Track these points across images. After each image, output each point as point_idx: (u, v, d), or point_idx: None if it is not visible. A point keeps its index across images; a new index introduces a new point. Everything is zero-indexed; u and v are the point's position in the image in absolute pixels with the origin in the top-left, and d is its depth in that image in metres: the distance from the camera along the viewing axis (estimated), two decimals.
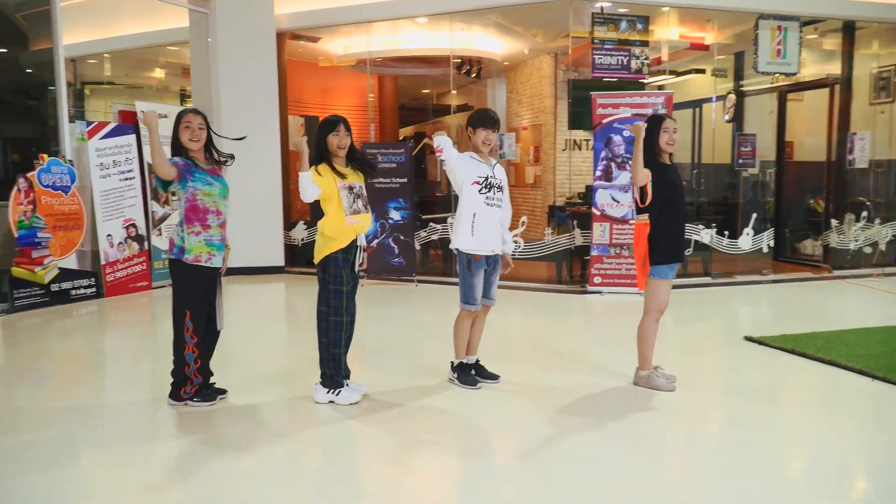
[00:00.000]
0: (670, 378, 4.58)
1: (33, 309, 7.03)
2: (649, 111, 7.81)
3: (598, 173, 7.94)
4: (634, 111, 7.84)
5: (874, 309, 7.39)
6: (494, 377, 4.63)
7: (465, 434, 3.84)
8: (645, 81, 8.83)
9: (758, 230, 9.03)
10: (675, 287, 8.16)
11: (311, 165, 4.04)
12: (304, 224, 10.01)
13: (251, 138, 9.46)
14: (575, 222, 8.49)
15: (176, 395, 4.09)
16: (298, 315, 7.63)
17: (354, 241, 4.14)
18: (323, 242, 4.13)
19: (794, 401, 4.43)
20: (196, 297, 4.03)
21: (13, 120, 10.59)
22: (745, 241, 9.02)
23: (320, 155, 4.13)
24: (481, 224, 4.38)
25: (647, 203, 4.40)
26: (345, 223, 4.07)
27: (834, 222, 9.73)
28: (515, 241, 8.68)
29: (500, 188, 4.48)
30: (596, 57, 8.44)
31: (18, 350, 5.81)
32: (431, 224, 9.14)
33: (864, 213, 9.74)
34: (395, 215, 8.51)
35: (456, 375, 4.58)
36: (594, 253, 8.01)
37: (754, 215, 9.05)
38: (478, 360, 4.68)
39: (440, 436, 3.80)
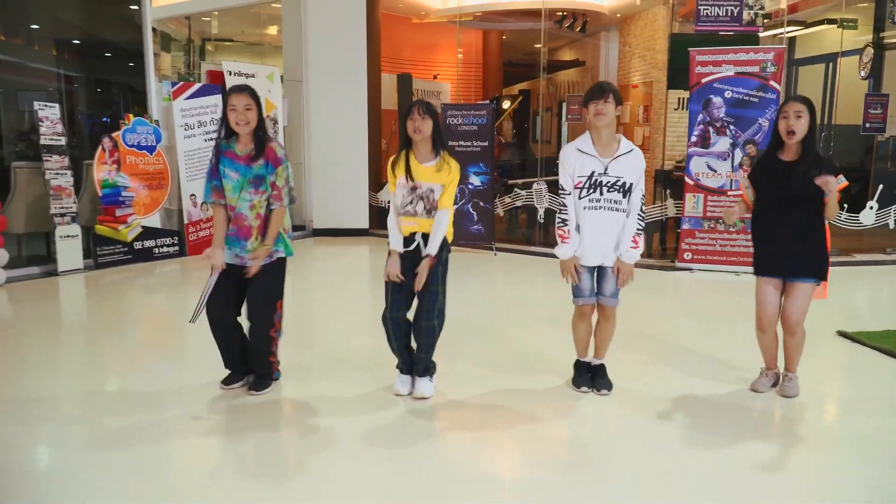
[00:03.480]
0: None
1: (116, 266, 7.30)
2: (755, 69, 6.99)
3: (694, 139, 7.22)
4: (738, 69, 7.02)
5: None
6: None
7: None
8: (761, 34, 7.90)
9: (884, 203, 7.98)
10: None
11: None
12: None
13: (338, 95, 9.43)
14: (668, 191, 7.81)
15: None
16: (378, 282, 7.52)
17: (410, 238, 3.77)
18: None
19: (863, 410, 3.79)
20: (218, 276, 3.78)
21: (121, 75, 10.92)
22: (868, 215, 8.00)
23: (405, 141, 3.74)
24: (582, 234, 3.76)
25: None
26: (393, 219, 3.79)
27: None
28: None
29: (614, 187, 3.67)
30: (701, 7, 7.61)
31: (101, 305, 6.05)
32: (516, 189, 8.73)
33: None
34: (475, 180, 8.17)
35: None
36: (685, 226, 7.35)
37: (881, 186, 8.00)
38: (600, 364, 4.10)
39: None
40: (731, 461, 3.18)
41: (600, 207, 3.68)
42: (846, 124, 9.98)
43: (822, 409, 3.87)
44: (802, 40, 11.59)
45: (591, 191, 3.68)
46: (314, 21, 9.24)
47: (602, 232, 3.71)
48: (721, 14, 7.59)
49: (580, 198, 3.71)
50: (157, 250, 7.68)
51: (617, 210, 3.68)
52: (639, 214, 3.72)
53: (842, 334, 5.07)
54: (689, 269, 7.36)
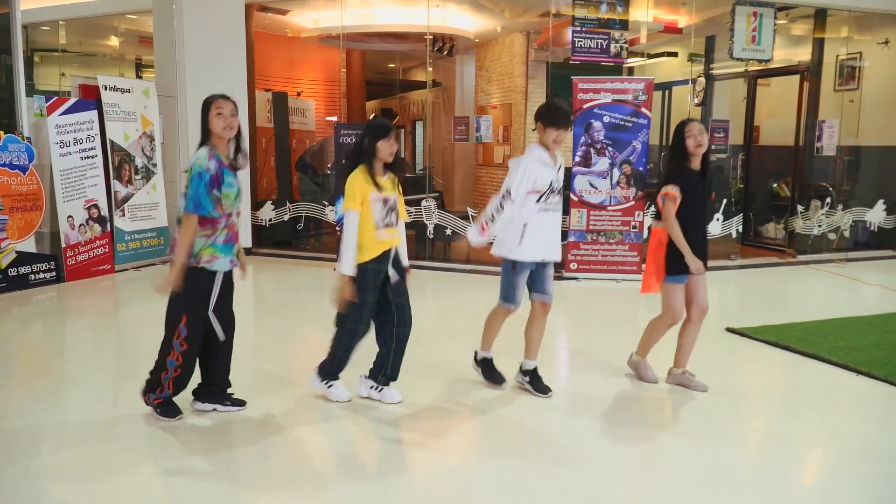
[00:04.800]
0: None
1: None
2: (629, 97, 7.76)
3: (577, 159, 7.87)
4: (615, 97, 7.77)
5: (841, 296, 7.60)
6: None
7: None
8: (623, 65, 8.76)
9: (728, 215, 9.08)
10: None
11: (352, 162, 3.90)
12: (272, 204, 9.74)
13: None
14: None
15: (145, 394, 3.84)
16: (267, 301, 7.45)
17: (388, 252, 3.91)
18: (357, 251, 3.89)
19: (788, 398, 4.44)
20: (193, 301, 3.68)
21: None
22: (715, 226, 9.08)
23: (365, 155, 3.85)
24: (532, 232, 4.09)
25: None
26: (374, 236, 3.85)
27: (799, 207, 9.85)
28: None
29: (559, 191, 4.18)
30: (576, 40, 8.31)
31: None
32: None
33: (828, 199, 9.90)
34: None
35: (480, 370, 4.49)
36: (571, 239, 7.96)
37: (724, 201, 9.10)
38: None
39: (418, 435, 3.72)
40: (649, 454, 3.65)
41: (551, 209, 4.15)
42: None
43: (741, 397, 4.47)
44: (640, 69, 12.81)
45: (549, 196, 4.11)
46: (190, 36, 8.95)
47: (549, 230, 4.16)
48: (593, 46, 8.34)
49: (537, 201, 4.07)
50: (33, 276, 7.10)
51: (559, 210, 4.21)
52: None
53: (730, 330, 5.81)
54: (575, 279, 7.97)
